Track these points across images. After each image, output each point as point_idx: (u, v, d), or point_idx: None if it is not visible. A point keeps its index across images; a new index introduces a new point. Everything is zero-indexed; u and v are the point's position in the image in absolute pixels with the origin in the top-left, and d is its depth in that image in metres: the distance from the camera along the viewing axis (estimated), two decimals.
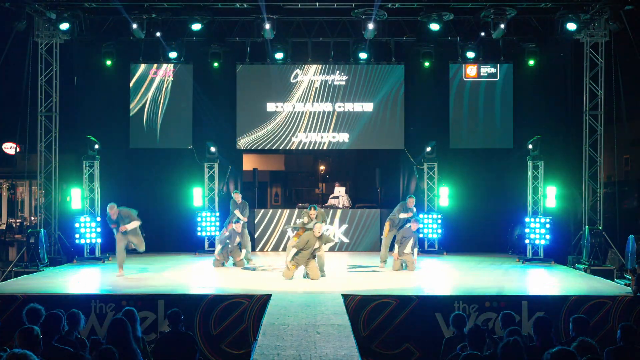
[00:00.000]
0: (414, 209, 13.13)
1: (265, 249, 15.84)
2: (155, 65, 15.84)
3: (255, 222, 15.88)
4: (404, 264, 12.36)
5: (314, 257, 11.17)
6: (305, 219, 11.98)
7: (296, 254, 11.09)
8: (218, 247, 12.86)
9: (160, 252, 14.70)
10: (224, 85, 16.05)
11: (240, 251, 12.95)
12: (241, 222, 13.14)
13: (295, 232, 12.67)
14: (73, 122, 15.44)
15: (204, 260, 13.58)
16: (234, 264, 12.87)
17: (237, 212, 13.24)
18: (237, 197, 13.54)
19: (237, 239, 12.81)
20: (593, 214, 14.53)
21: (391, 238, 12.89)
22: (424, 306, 9.22)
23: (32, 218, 22.28)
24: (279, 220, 15.83)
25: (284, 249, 14.31)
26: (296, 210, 16.05)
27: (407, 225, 12.46)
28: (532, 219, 13.82)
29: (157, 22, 14.38)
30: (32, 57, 14.34)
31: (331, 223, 15.83)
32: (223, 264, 12.85)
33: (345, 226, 15.94)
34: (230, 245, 12.76)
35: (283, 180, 22.41)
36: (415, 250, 12.33)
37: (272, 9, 14.07)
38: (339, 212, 16.12)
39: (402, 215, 12.87)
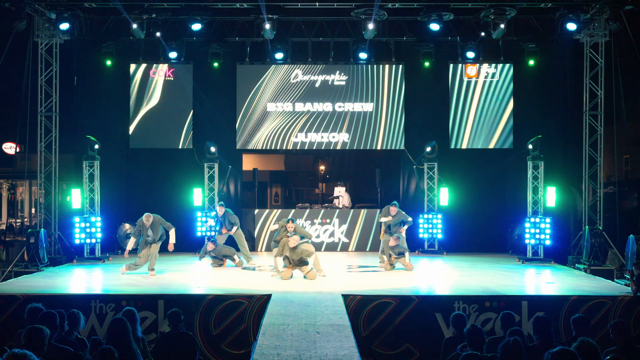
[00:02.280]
0: (390, 217, 12.75)
1: (265, 249, 15.82)
2: (155, 65, 15.85)
3: (255, 222, 15.87)
4: (396, 265, 12.42)
5: (306, 263, 11.19)
6: (282, 228, 11.93)
7: (285, 258, 11.22)
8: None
9: (160, 252, 14.63)
10: (224, 85, 16.06)
11: (227, 259, 12.97)
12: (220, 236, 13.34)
13: (277, 232, 12.25)
14: (73, 122, 15.46)
15: (204, 260, 13.56)
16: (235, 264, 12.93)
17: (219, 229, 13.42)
18: (219, 210, 13.41)
19: (212, 254, 12.89)
20: (593, 214, 14.54)
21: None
22: (424, 306, 9.22)
23: (33, 218, 22.27)
24: (279, 221, 15.79)
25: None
26: (299, 211, 16.05)
27: (396, 235, 12.37)
28: (532, 219, 13.82)
29: (157, 22, 14.39)
30: (32, 57, 14.34)
31: (331, 223, 15.85)
32: (219, 265, 12.93)
33: (345, 226, 15.93)
34: (215, 257, 12.92)
35: (283, 180, 22.34)
36: (407, 254, 12.32)
37: (272, 9, 14.08)
38: (339, 212, 16.12)
39: (382, 220, 12.89)
